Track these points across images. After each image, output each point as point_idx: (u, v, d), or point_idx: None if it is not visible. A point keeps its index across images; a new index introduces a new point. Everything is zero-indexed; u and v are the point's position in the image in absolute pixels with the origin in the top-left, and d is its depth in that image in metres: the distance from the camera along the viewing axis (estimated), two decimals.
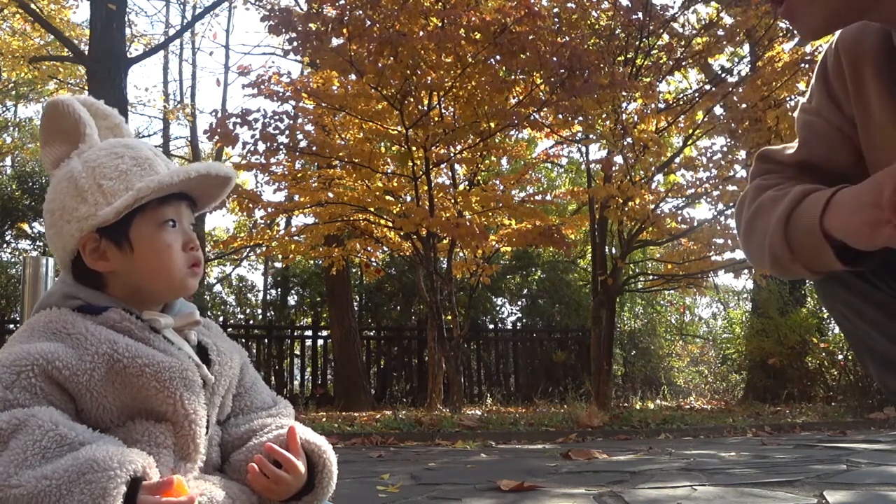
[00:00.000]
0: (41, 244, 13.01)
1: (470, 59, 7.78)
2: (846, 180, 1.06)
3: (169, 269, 1.06)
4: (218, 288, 16.97)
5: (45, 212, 1.09)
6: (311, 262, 12.84)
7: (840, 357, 8.83)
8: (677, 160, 9.29)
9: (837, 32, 1.22)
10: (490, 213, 9.46)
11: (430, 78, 7.92)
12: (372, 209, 9.01)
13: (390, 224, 9.13)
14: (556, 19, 8.61)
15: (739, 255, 8.65)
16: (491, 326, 13.38)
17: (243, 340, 11.37)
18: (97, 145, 1.09)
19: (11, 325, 9.70)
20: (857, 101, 1.17)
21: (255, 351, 11.47)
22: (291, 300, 15.27)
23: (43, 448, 0.87)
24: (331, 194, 8.74)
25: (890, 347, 1.17)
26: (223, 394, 1.11)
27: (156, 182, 1.02)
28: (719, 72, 10.46)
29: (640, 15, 8.57)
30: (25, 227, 12.94)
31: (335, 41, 7.78)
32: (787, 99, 8.36)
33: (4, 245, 13.07)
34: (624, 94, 8.38)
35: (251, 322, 14.15)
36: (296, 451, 1.05)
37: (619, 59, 8.81)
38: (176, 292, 1.09)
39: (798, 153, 1.25)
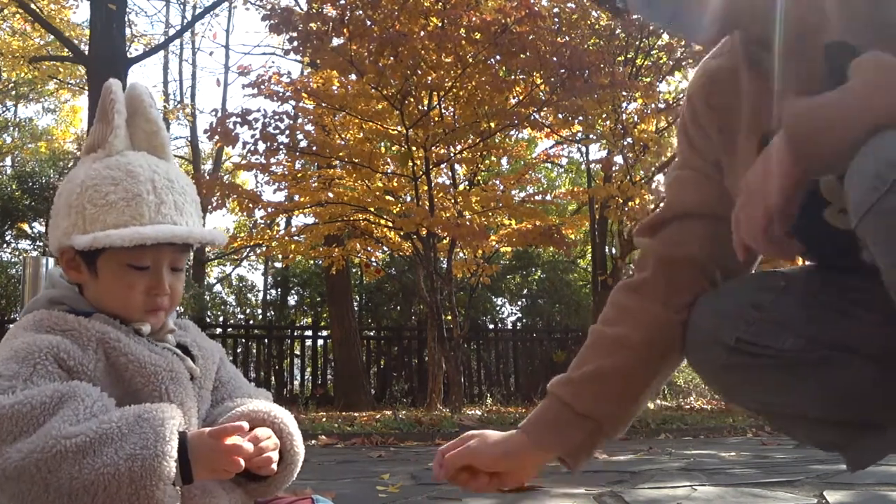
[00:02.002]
0: (41, 244, 13.00)
1: (470, 59, 7.78)
2: (723, 222, 1.06)
3: (124, 306, 1.06)
4: (218, 288, 16.99)
5: (54, 200, 1.11)
6: (311, 262, 12.83)
7: None
8: (677, 160, 9.29)
9: (691, 87, 1.27)
10: (490, 213, 9.46)
11: (430, 78, 7.92)
12: (372, 209, 9.00)
13: (390, 224, 9.12)
14: (556, 19, 8.61)
15: None
16: (491, 326, 13.37)
17: (243, 340, 11.37)
18: (112, 156, 1.07)
19: (11, 326, 9.69)
20: (724, 142, 1.19)
21: (255, 351, 11.47)
22: (291, 300, 15.27)
23: (93, 413, 0.91)
24: (331, 194, 8.74)
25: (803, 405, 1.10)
26: (210, 387, 1.14)
27: (109, 240, 1.00)
28: None
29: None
30: (25, 227, 12.94)
31: (335, 41, 7.78)
32: None
33: (4, 245, 13.07)
34: (624, 94, 8.39)
35: (251, 322, 14.14)
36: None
37: (619, 59, 8.81)
38: (132, 324, 1.08)
39: (661, 213, 1.27)
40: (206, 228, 1.11)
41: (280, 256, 10.87)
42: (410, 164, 8.50)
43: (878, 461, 1.10)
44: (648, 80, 8.85)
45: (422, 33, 7.64)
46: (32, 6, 10.74)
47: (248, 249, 14.80)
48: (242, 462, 0.94)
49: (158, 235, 1.02)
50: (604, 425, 1.21)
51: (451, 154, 8.89)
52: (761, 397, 1.15)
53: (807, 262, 1.20)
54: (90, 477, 0.86)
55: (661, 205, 1.31)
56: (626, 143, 8.56)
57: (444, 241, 8.85)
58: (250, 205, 8.72)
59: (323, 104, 8.53)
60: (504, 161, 11.17)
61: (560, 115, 8.25)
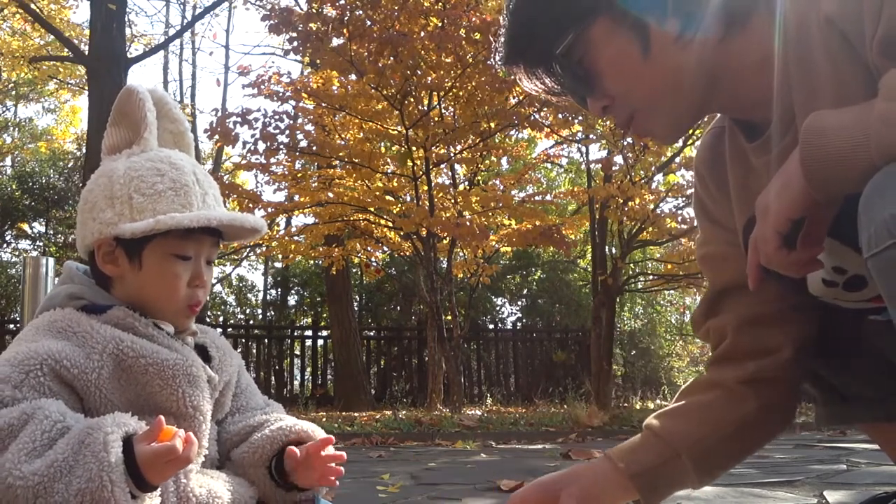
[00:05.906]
0: (41, 244, 13.01)
1: (470, 60, 7.78)
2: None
3: (169, 297, 1.06)
4: (218, 288, 16.97)
5: (81, 197, 1.10)
6: (311, 262, 12.83)
7: None
8: (677, 160, 9.28)
9: (696, 159, 1.29)
10: (490, 213, 9.46)
11: (430, 78, 7.92)
12: (372, 209, 9.01)
13: (390, 224, 9.12)
14: None
15: None
16: (491, 326, 13.38)
17: (243, 340, 11.37)
18: (148, 152, 1.08)
19: (11, 325, 9.69)
20: (725, 208, 1.21)
21: (255, 351, 11.47)
22: (291, 300, 15.27)
23: (51, 439, 0.89)
24: (331, 194, 8.74)
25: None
26: (223, 390, 1.13)
27: (175, 221, 1.01)
28: None
29: None
30: (25, 227, 12.95)
31: (335, 41, 7.79)
32: None
33: (4, 245, 13.08)
34: None
35: (251, 322, 14.15)
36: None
37: None
38: (169, 320, 1.08)
39: (710, 294, 1.27)
40: (252, 216, 1.14)
41: (280, 256, 10.86)
42: (410, 164, 8.49)
43: (834, 426, 1.26)
44: None
45: (422, 33, 7.64)
46: (32, 6, 10.73)
47: (248, 249, 14.78)
48: (191, 457, 0.91)
49: (222, 218, 1.05)
50: (682, 454, 1.18)
51: (451, 154, 8.89)
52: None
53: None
54: None
55: (707, 284, 1.32)
56: (626, 143, 8.55)
57: (444, 241, 8.85)
58: (250, 205, 8.72)
59: (323, 104, 8.53)
60: (504, 161, 11.17)
61: (560, 115, 8.24)
